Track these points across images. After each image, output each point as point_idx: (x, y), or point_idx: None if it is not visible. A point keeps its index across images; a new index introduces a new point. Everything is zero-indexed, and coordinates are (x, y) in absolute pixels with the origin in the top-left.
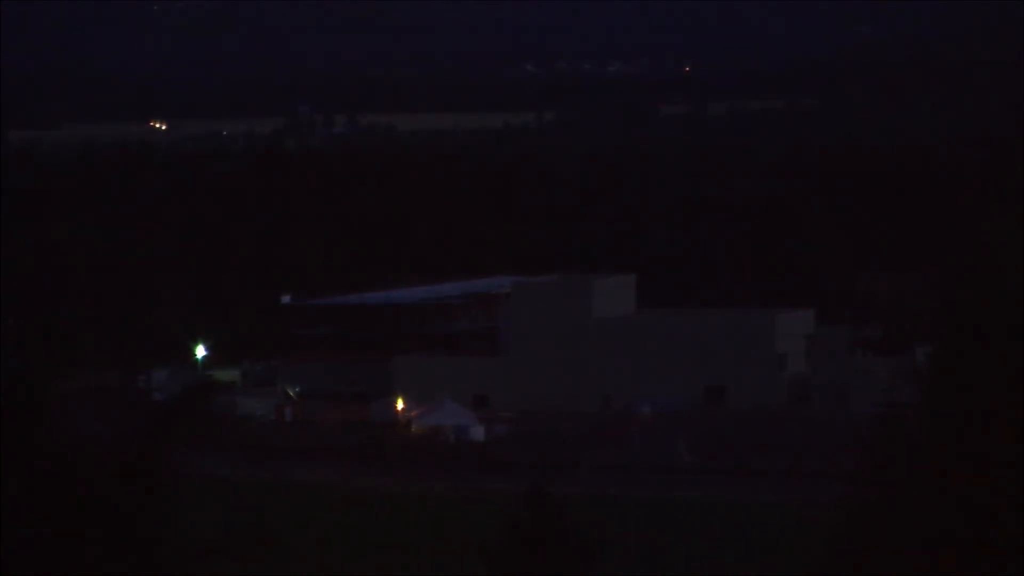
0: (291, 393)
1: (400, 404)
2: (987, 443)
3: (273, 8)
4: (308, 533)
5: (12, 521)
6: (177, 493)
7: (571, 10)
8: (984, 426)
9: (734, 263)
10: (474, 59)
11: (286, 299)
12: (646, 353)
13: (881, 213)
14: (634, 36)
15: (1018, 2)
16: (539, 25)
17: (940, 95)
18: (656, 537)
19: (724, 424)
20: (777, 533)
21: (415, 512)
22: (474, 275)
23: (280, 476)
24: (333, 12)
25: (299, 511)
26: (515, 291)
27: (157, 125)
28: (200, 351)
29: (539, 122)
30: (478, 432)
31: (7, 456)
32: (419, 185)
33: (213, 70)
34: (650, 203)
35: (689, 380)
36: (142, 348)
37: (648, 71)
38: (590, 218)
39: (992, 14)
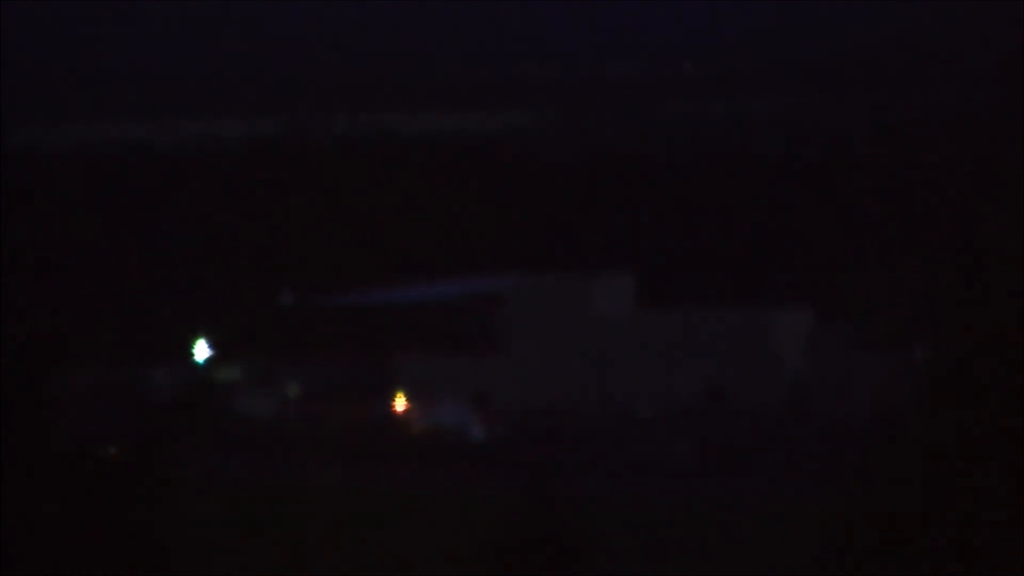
0: (291, 392)
1: (400, 403)
2: (988, 442)
3: (273, 7)
4: (308, 533)
5: (12, 521)
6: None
7: (571, 10)
8: (985, 425)
9: (733, 262)
10: (474, 59)
11: (287, 298)
12: (645, 352)
13: (880, 211)
14: (634, 36)
15: (1017, 2)
16: (539, 25)
17: (939, 94)
18: (655, 537)
19: (724, 424)
20: (777, 533)
21: (414, 511)
22: (474, 275)
23: (280, 475)
24: (333, 11)
25: (299, 511)
26: (515, 291)
27: (157, 124)
28: (200, 350)
29: (539, 122)
30: (478, 431)
31: (7, 456)
32: (419, 185)
33: (212, 69)
34: (650, 203)
35: (689, 380)
36: (142, 347)
37: (648, 71)
38: (590, 218)
39: (991, 14)
